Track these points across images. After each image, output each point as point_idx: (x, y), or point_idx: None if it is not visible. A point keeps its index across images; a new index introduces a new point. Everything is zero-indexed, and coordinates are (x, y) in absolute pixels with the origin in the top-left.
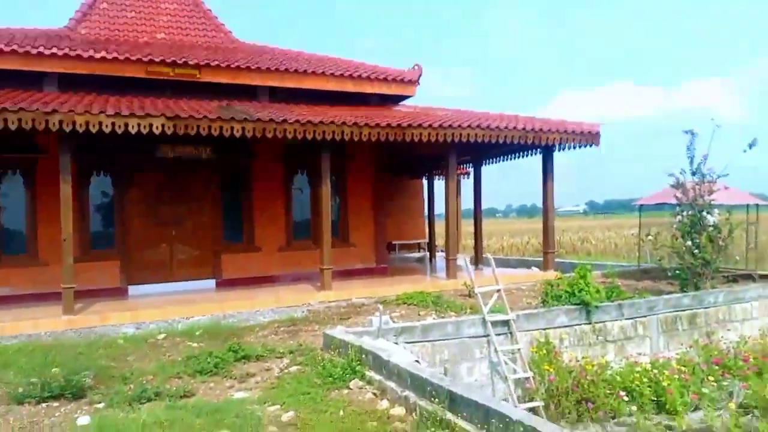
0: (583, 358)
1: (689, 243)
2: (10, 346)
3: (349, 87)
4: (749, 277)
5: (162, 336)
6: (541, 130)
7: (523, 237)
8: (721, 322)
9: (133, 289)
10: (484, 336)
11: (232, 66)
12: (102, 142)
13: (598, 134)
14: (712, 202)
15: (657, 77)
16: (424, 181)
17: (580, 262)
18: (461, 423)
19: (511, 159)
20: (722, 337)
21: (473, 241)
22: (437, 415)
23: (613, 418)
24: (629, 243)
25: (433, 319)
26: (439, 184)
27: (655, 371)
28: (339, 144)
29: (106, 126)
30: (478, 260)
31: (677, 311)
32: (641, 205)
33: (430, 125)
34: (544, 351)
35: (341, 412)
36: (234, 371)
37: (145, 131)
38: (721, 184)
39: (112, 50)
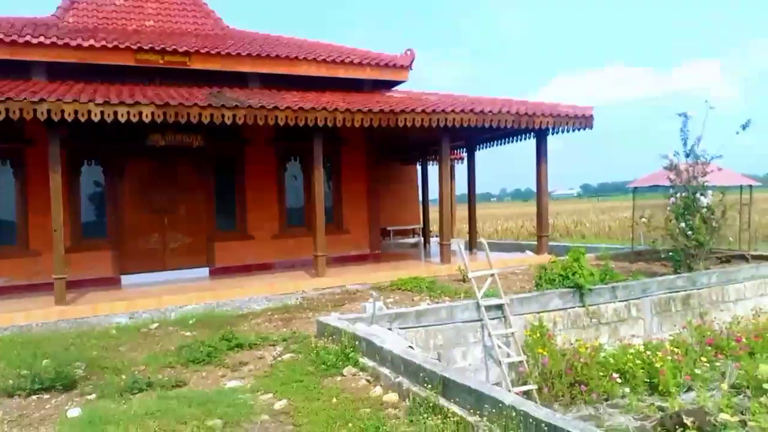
0: (576, 340)
1: (683, 225)
2: (1, 337)
3: (341, 73)
4: (742, 258)
5: (155, 325)
6: (534, 113)
7: (517, 221)
8: (714, 302)
9: (125, 279)
10: (478, 320)
11: (223, 53)
12: (92, 131)
13: (591, 117)
14: (706, 184)
15: (650, 60)
16: (418, 167)
17: (574, 246)
18: (454, 408)
19: (504, 143)
20: (715, 317)
21: (467, 226)
22: (430, 400)
23: (606, 400)
24: (623, 225)
25: (427, 304)
26: (433, 169)
27: (649, 353)
28: (331, 130)
29: (95, 115)
30: (472, 245)
31: (671, 293)
32: (635, 188)
33: (422, 110)
34: (538, 334)
35: (334, 400)
36: (227, 360)
37: (134, 120)
38: (714, 165)
39: (100, 38)
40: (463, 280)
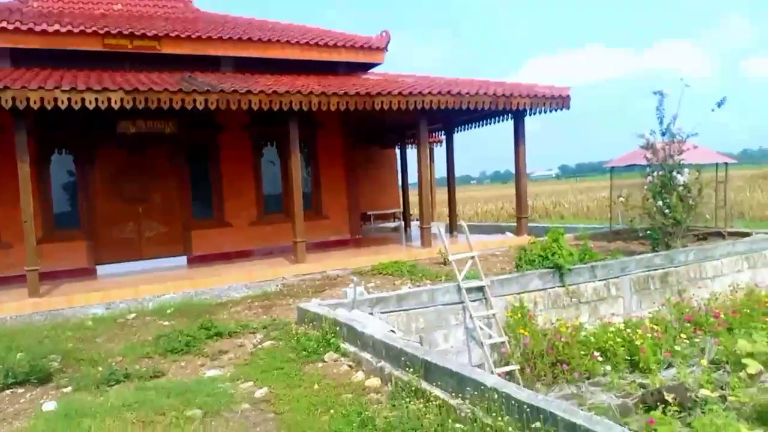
0: (557, 320)
1: (660, 203)
2: None
3: (316, 55)
4: (719, 235)
5: (132, 316)
6: (511, 94)
7: (497, 203)
8: (692, 280)
9: (101, 269)
10: (459, 303)
11: (194, 36)
12: (62, 119)
13: (568, 97)
14: (682, 162)
15: (627, 40)
16: (397, 151)
17: (553, 226)
18: (436, 392)
19: (482, 125)
20: (693, 294)
21: (448, 209)
22: (412, 384)
23: (588, 378)
24: (601, 205)
25: (409, 288)
26: (412, 153)
27: (629, 331)
28: (307, 114)
29: (62, 102)
30: (452, 228)
31: (649, 271)
32: (612, 168)
33: (399, 92)
34: (519, 315)
35: (316, 386)
36: (206, 349)
37: (103, 106)
38: (690, 143)
39: (66, 23)
40: (444, 263)
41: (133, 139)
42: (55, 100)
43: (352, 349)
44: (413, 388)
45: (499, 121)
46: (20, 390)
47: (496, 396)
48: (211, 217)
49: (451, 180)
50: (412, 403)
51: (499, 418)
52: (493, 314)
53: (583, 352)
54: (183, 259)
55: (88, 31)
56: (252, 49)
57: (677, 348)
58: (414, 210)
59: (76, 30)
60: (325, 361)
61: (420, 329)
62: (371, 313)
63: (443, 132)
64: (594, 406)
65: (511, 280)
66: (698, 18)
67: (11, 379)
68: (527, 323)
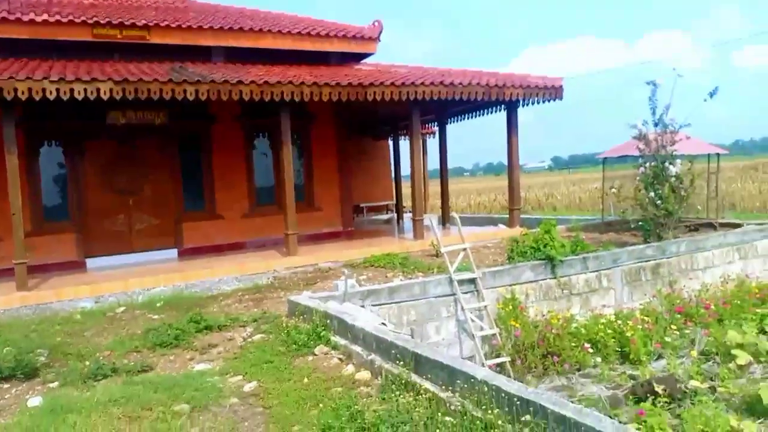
0: (548, 312)
1: (652, 194)
2: None
3: (308, 45)
4: (710, 226)
5: (121, 309)
6: (504, 85)
7: (489, 195)
8: (683, 271)
9: (91, 262)
10: (450, 295)
11: (184, 26)
12: (51, 110)
13: (561, 88)
14: (674, 153)
15: (619, 31)
16: (390, 143)
17: (545, 218)
18: (426, 385)
19: (475, 116)
20: (684, 286)
21: (441, 201)
22: (402, 377)
23: (579, 370)
24: (593, 197)
25: (400, 280)
26: (405, 144)
27: (619, 322)
28: (299, 105)
29: (50, 92)
30: (445, 220)
31: (641, 262)
32: (605, 159)
33: (392, 83)
34: (510, 307)
35: (305, 380)
36: (195, 343)
37: (92, 97)
38: (682, 134)
39: (54, 13)
40: (437, 255)
41: (123, 130)
42: (44, 90)
43: (342, 342)
44: (403, 381)
45: (492, 112)
46: (6, 385)
47: (486, 389)
48: (203, 210)
49: (443, 172)
50: (402, 396)
51: (489, 411)
52: (485, 306)
53: (573, 344)
54: (174, 252)
55: (77, 21)
56: (243, 39)
57: (667, 339)
58: (407, 202)
59: (64, 20)
60: (315, 355)
61: (411, 321)
62: (363, 306)
63: (436, 123)
64: (584, 397)
65: (503, 272)
66: (688, 9)
67: None
68: (518, 315)
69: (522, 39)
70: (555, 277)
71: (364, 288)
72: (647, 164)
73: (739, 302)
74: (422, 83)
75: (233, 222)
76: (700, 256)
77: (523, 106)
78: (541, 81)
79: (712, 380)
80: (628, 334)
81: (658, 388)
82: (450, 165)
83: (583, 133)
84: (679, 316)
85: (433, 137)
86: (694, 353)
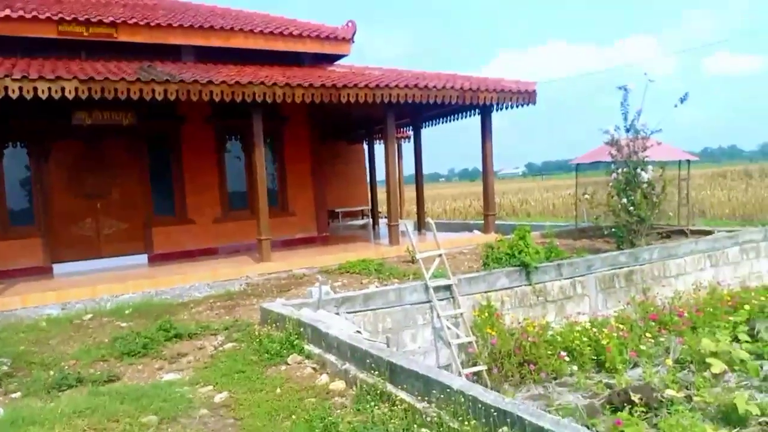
0: (524, 319)
1: (624, 200)
2: None
3: (281, 45)
4: (681, 233)
5: (89, 316)
6: (478, 89)
7: (465, 201)
8: (656, 278)
9: (58, 268)
10: (426, 302)
11: (152, 24)
12: (14, 110)
13: (534, 92)
14: (646, 159)
15: (590, 36)
16: (365, 147)
17: (520, 224)
18: (402, 395)
19: (450, 120)
20: (657, 293)
21: (416, 207)
22: (378, 387)
23: (555, 378)
24: (567, 203)
25: (376, 287)
26: (380, 149)
27: (595, 330)
28: (271, 106)
29: (13, 91)
30: (421, 225)
31: (614, 269)
32: (578, 165)
33: (365, 85)
34: (486, 314)
35: (278, 390)
36: (164, 351)
37: (56, 96)
38: (653, 140)
39: (18, 8)
40: (412, 261)
41: (90, 131)
42: (6, 89)
43: (316, 350)
44: (378, 392)
45: (466, 116)
46: None
47: (462, 399)
48: (173, 214)
49: (419, 176)
50: (377, 407)
51: (466, 423)
52: (461, 313)
53: (550, 352)
54: (144, 258)
55: (42, 17)
56: (214, 38)
57: (643, 347)
58: (382, 207)
59: (28, 16)
60: (288, 364)
61: (387, 329)
62: (337, 313)
63: (411, 127)
64: (561, 407)
65: (479, 279)
66: (659, 15)
67: None
68: (494, 323)
69: (493, 45)
70: (530, 284)
71: (339, 295)
72: (619, 170)
73: (711, 310)
74: (396, 86)
75: (205, 227)
76: (672, 263)
77: (497, 110)
78: (515, 85)
79: (687, 389)
80: (604, 342)
81: (635, 398)
82: (425, 170)
83: (555, 139)
84: (653, 323)
85: (409, 141)
86: (669, 362)
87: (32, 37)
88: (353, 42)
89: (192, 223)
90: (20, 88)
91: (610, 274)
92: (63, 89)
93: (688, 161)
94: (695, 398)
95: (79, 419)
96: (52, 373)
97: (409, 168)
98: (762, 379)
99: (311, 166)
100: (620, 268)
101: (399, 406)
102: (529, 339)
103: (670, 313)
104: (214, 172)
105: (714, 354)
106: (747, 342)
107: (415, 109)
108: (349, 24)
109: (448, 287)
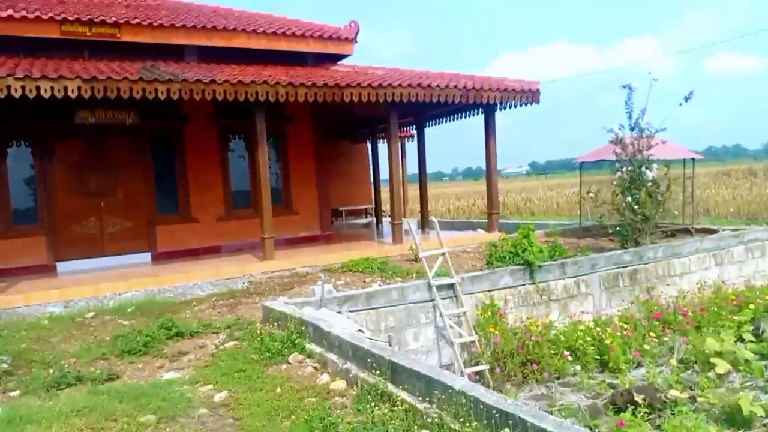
0: (527, 318)
1: (629, 199)
2: None
3: (284, 45)
4: (686, 232)
5: (91, 314)
6: (481, 88)
7: (468, 199)
8: (660, 277)
9: (62, 266)
10: (429, 301)
11: (155, 24)
12: (19, 110)
13: (538, 92)
14: (651, 157)
15: (592, 37)
16: (369, 146)
17: (523, 222)
18: (403, 395)
19: (453, 119)
20: (662, 292)
21: (419, 205)
22: (378, 387)
23: (558, 378)
24: (570, 202)
25: (379, 285)
26: (384, 148)
27: (598, 329)
28: (274, 106)
29: (16, 90)
30: (424, 224)
31: (618, 268)
32: (582, 163)
33: (369, 84)
34: (489, 313)
35: (278, 389)
36: (165, 350)
37: (59, 95)
38: (658, 138)
39: (20, 8)
40: (415, 260)
41: (94, 130)
42: (8, 88)
43: (318, 349)
44: (379, 392)
45: (470, 116)
46: None
47: (464, 400)
48: (177, 212)
49: (422, 175)
50: (377, 407)
51: (467, 424)
52: (464, 312)
53: (553, 352)
54: (147, 256)
55: (45, 17)
56: (217, 39)
57: (646, 347)
58: (386, 206)
59: (31, 16)
60: (289, 363)
61: (390, 328)
62: (340, 312)
63: (414, 126)
64: (564, 407)
65: (482, 277)
66: (660, 16)
67: None
68: (497, 322)
69: (494, 45)
70: (534, 283)
71: (342, 293)
72: (624, 169)
73: (716, 309)
74: (399, 85)
75: (208, 225)
76: (677, 261)
77: (500, 109)
78: (518, 84)
79: (691, 389)
80: (607, 341)
81: (638, 398)
82: (429, 169)
83: (558, 138)
84: (657, 323)
85: (412, 140)
86: (673, 362)
87: (35, 37)
88: (356, 42)
89: (195, 221)
90: (23, 87)
91: (614, 273)
92: (66, 88)
93: (693, 160)
94: (699, 399)
95: (77, 418)
96: (51, 371)
97: (412, 167)
98: (767, 380)
99: (315, 165)
100: (624, 267)
101: (400, 407)
102: (532, 338)
103: (675, 312)
104: (217, 171)
105: (718, 354)
106: (752, 342)
107: (419, 108)
108: (352, 24)
109: (451, 286)
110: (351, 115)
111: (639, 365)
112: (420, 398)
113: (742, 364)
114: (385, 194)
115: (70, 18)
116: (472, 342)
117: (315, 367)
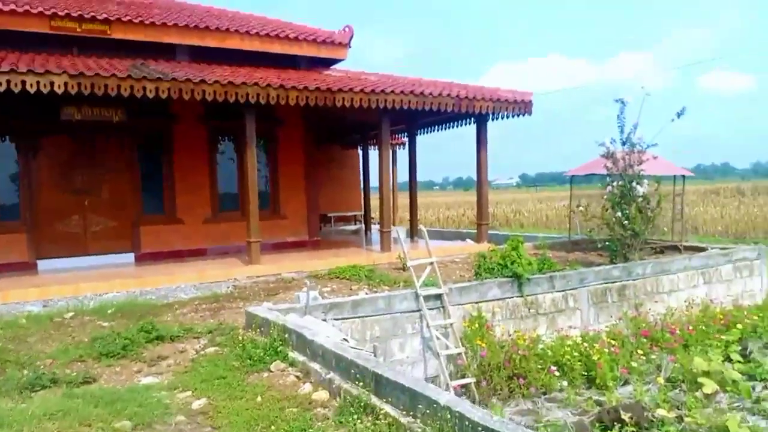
0: (515, 331)
1: (619, 214)
2: None
3: (277, 48)
4: (675, 249)
5: (70, 315)
6: (474, 97)
7: (458, 209)
8: (649, 293)
9: (42, 264)
10: (416, 311)
11: (147, 22)
12: (2, 104)
13: (530, 103)
14: (642, 173)
15: (586, 51)
16: (360, 152)
17: (512, 234)
18: (387, 408)
19: (445, 128)
20: (650, 309)
21: (409, 214)
22: (362, 399)
23: (545, 393)
24: (560, 215)
25: (365, 293)
26: (375, 154)
27: (586, 345)
28: (265, 108)
29: (0, 84)
30: (413, 233)
31: (607, 283)
32: (572, 177)
33: (361, 90)
34: (477, 325)
35: (259, 398)
36: (144, 354)
37: (45, 90)
38: (650, 153)
39: (9, 2)
40: (403, 269)
41: (80, 127)
42: None
43: (300, 358)
44: (362, 404)
45: (462, 125)
46: None
47: (449, 415)
48: (163, 213)
49: (413, 183)
50: (360, 420)
51: None
52: (451, 324)
53: (540, 366)
54: (131, 256)
55: (34, 11)
56: (209, 39)
57: (634, 364)
58: (375, 213)
59: (20, 9)
60: (271, 371)
61: (375, 337)
62: (324, 320)
63: (406, 134)
64: (550, 423)
65: (470, 289)
66: (654, 32)
67: None
68: (485, 334)
69: (490, 56)
70: (522, 296)
71: (327, 300)
72: (614, 183)
73: (704, 328)
74: (392, 91)
75: (194, 227)
76: (665, 278)
77: (492, 119)
78: (511, 95)
79: (678, 409)
80: (595, 357)
81: (625, 416)
82: (420, 178)
83: (549, 151)
84: (644, 340)
85: (403, 148)
86: (661, 380)
87: (24, 31)
88: (350, 47)
89: (181, 223)
90: (8, 81)
91: (602, 288)
92: (52, 84)
93: (683, 177)
94: (686, 419)
95: (50, 422)
96: (26, 372)
97: (403, 175)
98: (754, 401)
99: (305, 170)
100: (613, 282)
101: (383, 420)
102: (519, 352)
103: (662, 329)
104: (205, 173)
105: (706, 373)
106: (739, 362)
107: (411, 115)
108: (346, 29)
109: (438, 296)
110: (343, 120)
111: (626, 382)
112: (404, 412)
113: (730, 384)
114: (374, 201)
115: (60, 13)
116: (459, 354)
117: (297, 376)
